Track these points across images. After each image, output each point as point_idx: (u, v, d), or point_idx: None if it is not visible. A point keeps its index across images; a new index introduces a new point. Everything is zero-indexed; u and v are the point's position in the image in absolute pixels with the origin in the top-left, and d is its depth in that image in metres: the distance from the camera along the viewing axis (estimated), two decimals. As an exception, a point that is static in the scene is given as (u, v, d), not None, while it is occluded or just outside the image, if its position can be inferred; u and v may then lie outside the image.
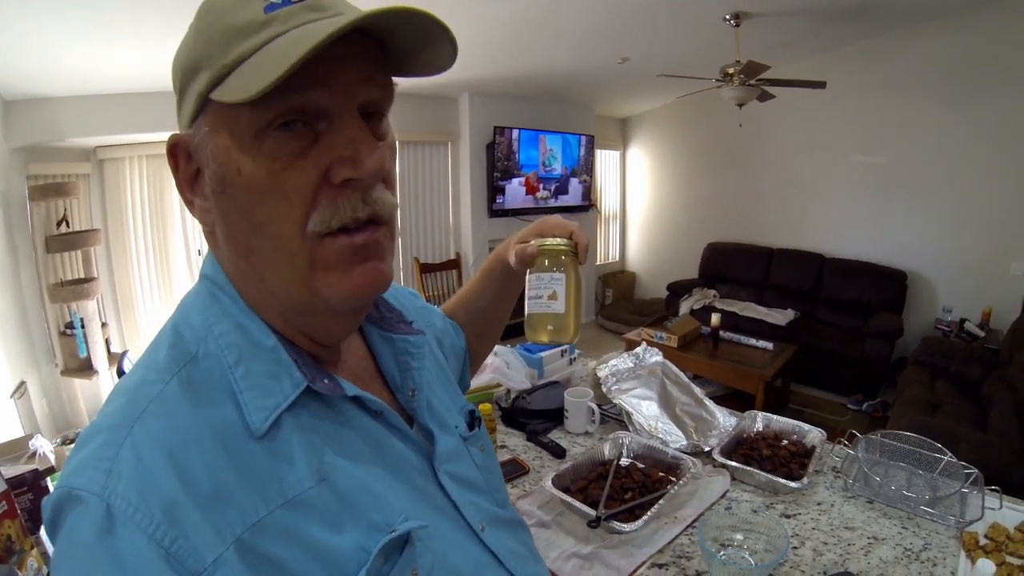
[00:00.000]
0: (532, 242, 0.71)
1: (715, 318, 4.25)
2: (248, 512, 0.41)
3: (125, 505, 0.38)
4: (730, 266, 5.68)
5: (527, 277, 0.73)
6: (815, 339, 4.57)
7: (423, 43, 0.47)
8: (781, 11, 3.60)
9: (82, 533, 0.38)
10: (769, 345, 4.10)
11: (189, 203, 0.50)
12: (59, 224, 3.38)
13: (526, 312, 0.72)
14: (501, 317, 0.94)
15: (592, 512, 1.13)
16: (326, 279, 0.48)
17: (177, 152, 0.49)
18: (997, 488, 1.21)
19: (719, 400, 1.73)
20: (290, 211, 0.45)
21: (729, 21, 3.53)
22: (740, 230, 5.85)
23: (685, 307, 5.21)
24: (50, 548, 1.52)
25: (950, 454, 1.30)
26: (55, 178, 3.44)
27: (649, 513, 1.13)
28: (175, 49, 0.49)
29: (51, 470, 2.41)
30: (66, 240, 3.30)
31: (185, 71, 0.47)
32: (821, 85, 3.52)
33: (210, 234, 0.52)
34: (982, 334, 4.19)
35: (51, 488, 2.23)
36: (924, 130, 4.54)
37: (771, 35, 4.02)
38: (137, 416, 0.42)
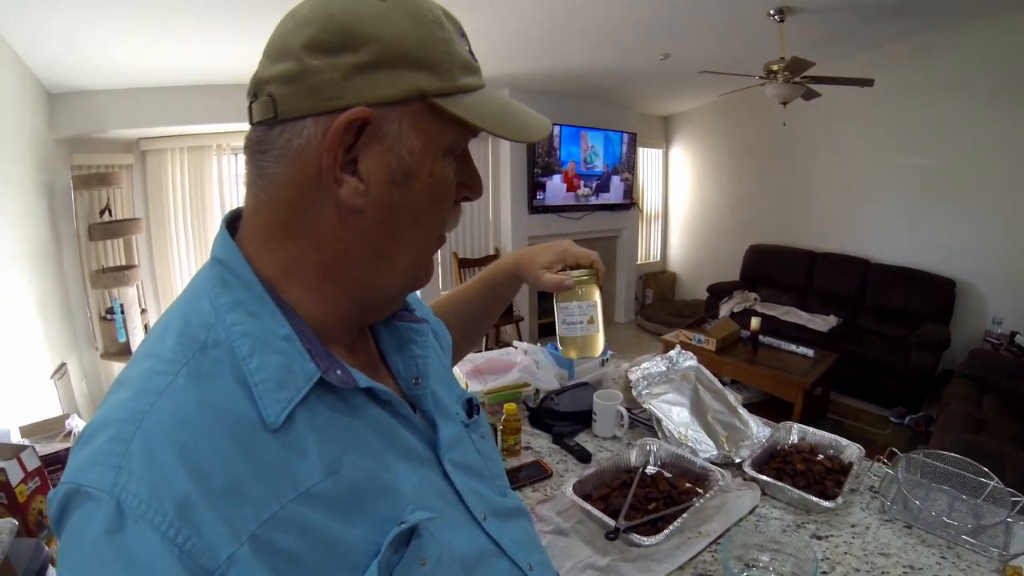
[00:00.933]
0: (570, 274, 0.85)
1: (755, 322, 4.14)
2: (262, 507, 0.40)
3: (137, 503, 0.37)
4: (772, 269, 5.54)
5: (559, 304, 0.86)
6: (857, 347, 4.41)
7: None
8: (827, 6, 3.48)
9: (91, 531, 0.37)
10: (810, 352, 3.97)
11: (336, 181, 0.47)
12: (102, 213, 3.49)
13: (561, 334, 0.86)
14: (490, 323, 1.03)
15: (611, 522, 1.09)
16: (425, 269, 0.57)
17: (360, 126, 0.46)
18: (1046, 517, 1.13)
19: (755, 408, 1.66)
20: (446, 215, 0.55)
21: (773, 16, 3.43)
22: (783, 232, 5.71)
23: (725, 310, 5.10)
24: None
25: (996, 479, 1.20)
26: (98, 168, 3.55)
27: (672, 527, 1.08)
28: (355, 11, 0.46)
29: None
30: (108, 228, 3.39)
31: (401, 55, 0.47)
32: (869, 83, 3.38)
33: (295, 209, 0.49)
34: (1034, 348, 3.98)
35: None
36: (975, 131, 4.34)
37: (816, 31, 3.89)
38: (146, 410, 0.41)
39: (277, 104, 0.46)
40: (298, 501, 0.42)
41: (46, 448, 2.17)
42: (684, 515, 1.12)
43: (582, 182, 5.47)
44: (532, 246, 0.94)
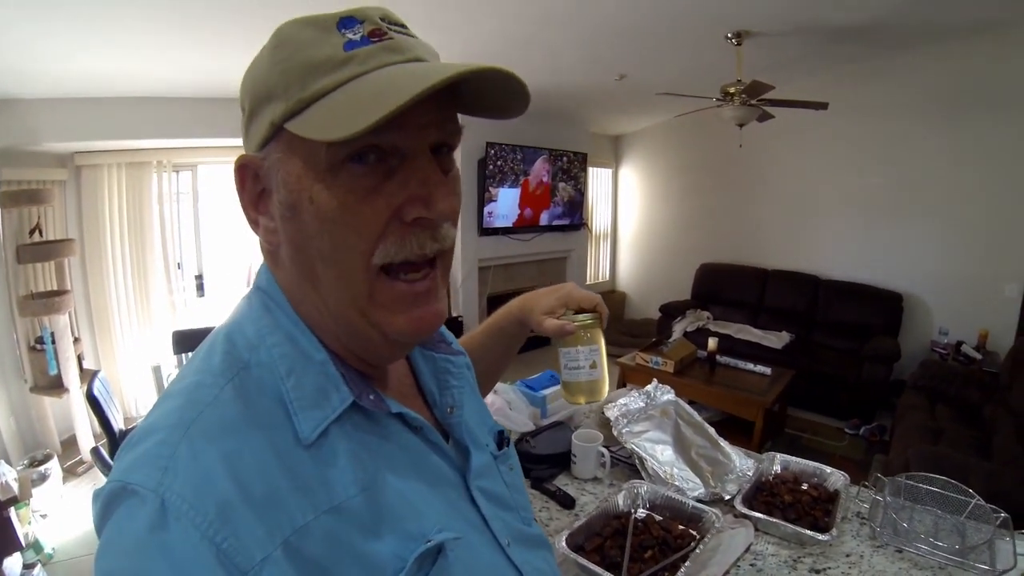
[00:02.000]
0: (572, 319, 0.82)
1: (712, 342, 4.17)
2: (296, 516, 0.42)
3: (180, 502, 0.39)
4: (723, 287, 5.62)
5: (562, 349, 0.83)
6: (811, 362, 4.51)
7: (499, 93, 0.50)
8: (783, 31, 3.55)
9: (134, 526, 0.39)
10: (767, 370, 4.02)
11: (253, 222, 0.52)
12: (32, 233, 3.23)
13: (565, 380, 0.84)
14: (500, 372, 1.00)
15: (614, 580, 1.02)
16: (385, 316, 0.51)
17: (245, 172, 0.50)
18: (1025, 532, 1.16)
19: (715, 426, 1.65)
20: (358, 243, 0.47)
21: (731, 40, 3.48)
22: (734, 251, 5.81)
23: (678, 329, 5.12)
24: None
25: (978, 497, 1.25)
26: (29, 184, 3.30)
27: None
28: (243, 69, 0.50)
29: (14, 500, 2.25)
30: (39, 250, 3.16)
31: (257, 96, 0.48)
32: (823, 106, 3.46)
33: (270, 253, 0.54)
34: (979, 356, 4.15)
35: (14, 518, 2.08)
36: (919, 152, 4.54)
37: (772, 54, 3.98)
38: (194, 418, 0.43)
39: None
40: (330, 514, 0.44)
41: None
42: (687, 563, 1.06)
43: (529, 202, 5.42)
44: (536, 290, 0.92)
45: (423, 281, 0.51)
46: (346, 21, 0.47)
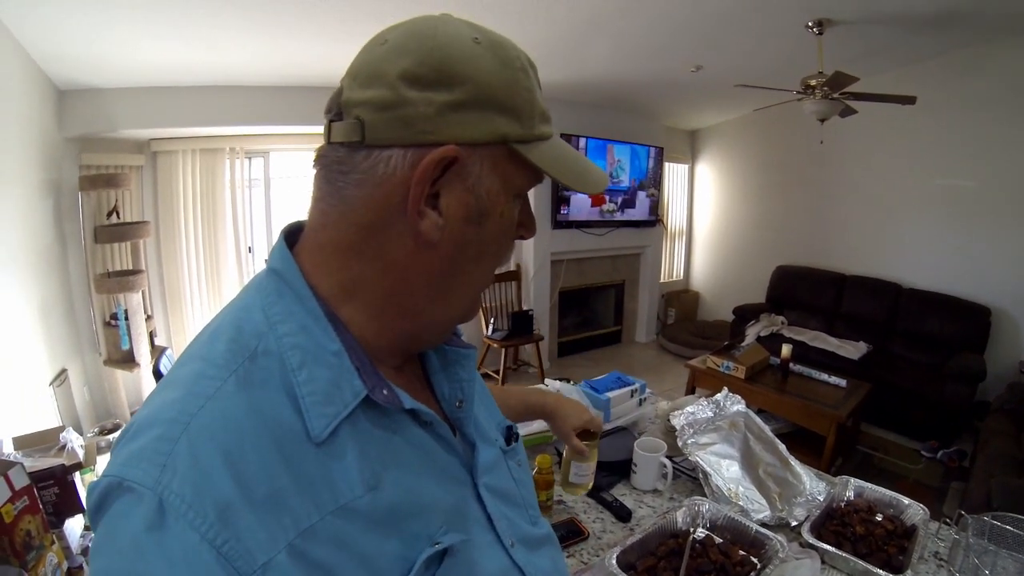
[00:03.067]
0: (584, 446, 1.14)
1: (786, 349, 3.96)
2: (301, 517, 0.41)
3: (179, 502, 0.38)
4: (799, 291, 5.37)
5: (575, 463, 1.16)
6: (888, 375, 4.23)
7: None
8: (867, 19, 3.33)
9: (131, 525, 0.38)
10: (842, 382, 3.78)
11: (418, 213, 0.48)
12: (109, 215, 3.38)
13: (572, 482, 1.17)
14: None
15: (666, 609, 0.95)
16: (477, 303, 0.59)
17: (453, 164, 0.48)
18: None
19: (784, 439, 1.57)
20: (508, 252, 0.57)
21: (812, 29, 3.29)
22: (811, 253, 5.54)
23: (751, 333, 4.93)
24: (71, 540, 1.45)
25: None
26: (107, 169, 3.45)
27: None
28: (451, 49, 0.47)
29: (78, 465, 2.35)
30: (115, 231, 3.29)
31: (483, 97, 0.48)
32: (911, 101, 3.22)
33: (368, 232, 0.50)
34: (1075, 382, 3.80)
35: (78, 483, 2.17)
36: (1014, 152, 4.17)
37: (855, 45, 3.75)
38: (194, 412, 0.42)
39: (366, 129, 0.47)
40: (336, 514, 0.43)
41: (37, 463, 2.06)
42: (744, 595, 0.98)
43: (607, 197, 5.30)
44: (569, 401, 1.21)
45: None
46: (538, 80, 0.54)
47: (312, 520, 0.42)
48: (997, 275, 4.37)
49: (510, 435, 0.70)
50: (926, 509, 1.30)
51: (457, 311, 0.56)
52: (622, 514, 1.31)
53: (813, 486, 1.40)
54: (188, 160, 3.83)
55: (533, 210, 0.59)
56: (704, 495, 1.34)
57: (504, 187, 0.51)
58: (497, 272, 0.62)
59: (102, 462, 2.83)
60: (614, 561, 1.04)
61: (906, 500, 1.33)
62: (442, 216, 0.49)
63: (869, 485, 1.39)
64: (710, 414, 1.55)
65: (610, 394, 1.68)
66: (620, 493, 1.40)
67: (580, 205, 5.08)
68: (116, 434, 3.06)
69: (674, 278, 6.88)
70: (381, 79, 0.47)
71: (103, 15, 2.43)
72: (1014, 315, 4.32)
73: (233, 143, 3.95)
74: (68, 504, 1.99)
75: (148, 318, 3.58)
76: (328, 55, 3.10)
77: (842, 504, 1.35)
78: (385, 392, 0.50)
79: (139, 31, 2.65)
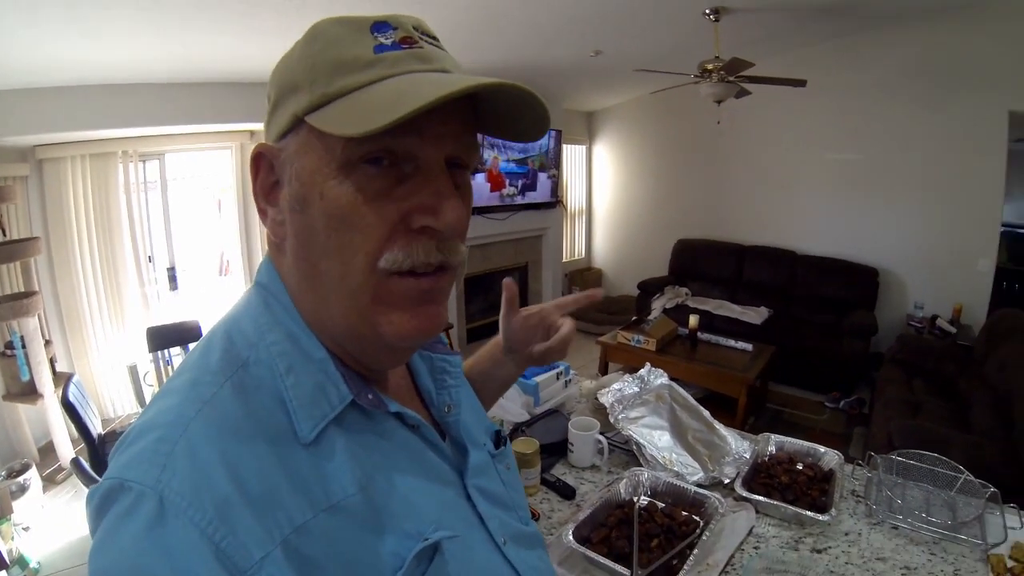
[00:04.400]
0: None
1: (693, 319, 4.18)
2: (295, 514, 0.42)
3: (179, 500, 0.39)
4: (701, 263, 5.64)
5: (523, 470, 1.28)
6: (791, 337, 4.56)
7: (517, 114, 0.50)
8: (762, 7, 3.53)
9: (132, 524, 0.38)
10: (748, 346, 4.05)
11: (262, 212, 0.52)
12: (-6, 233, 3.09)
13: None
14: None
15: (626, 572, 1.02)
16: (387, 316, 0.49)
17: (260, 161, 0.51)
18: (1015, 505, 1.23)
19: (699, 403, 1.67)
20: (364, 243, 0.47)
21: (709, 16, 3.45)
22: (711, 227, 5.82)
23: (657, 307, 5.13)
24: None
25: (967, 472, 1.31)
26: (-12, 182, 3.15)
27: (686, 566, 1.03)
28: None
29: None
30: (2, 251, 3.01)
31: (283, 87, 0.49)
32: (802, 83, 3.46)
33: (276, 245, 0.53)
34: (954, 330, 4.23)
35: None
36: (896, 128, 4.59)
37: (750, 30, 3.95)
38: (192, 415, 0.43)
39: None
40: (328, 512, 0.44)
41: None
42: (695, 551, 1.06)
43: (507, 180, 5.33)
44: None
45: (429, 278, 0.50)
46: (380, 25, 0.48)
47: (306, 517, 0.43)
48: (882, 238, 4.79)
49: (499, 439, 0.71)
50: (840, 455, 1.43)
51: (344, 321, 0.50)
52: (566, 492, 1.36)
53: (738, 445, 1.50)
54: (78, 167, 3.54)
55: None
56: (640, 465, 1.42)
57: (319, 164, 0.47)
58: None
59: (19, 507, 2.63)
60: (571, 536, 1.09)
61: (822, 448, 1.47)
62: (281, 212, 0.51)
63: (788, 439, 1.52)
64: (636, 389, 1.63)
65: (538, 379, 1.73)
66: (561, 472, 1.45)
67: (479, 190, 5.05)
68: (27, 475, 2.81)
69: (576, 257, 7.04)
70: None
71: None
72: (898, 273, 4.76)
73: (126, 146, 3.69)
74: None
75: (47, 343, 3.31)
76: (226, 49, 2.95)
77: (766, 459, 1.47)
78: (370, 396, 0.52)
79: (17, 27, 2.42)
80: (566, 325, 0.87)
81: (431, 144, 0.47)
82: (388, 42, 0.47)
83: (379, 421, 0.53)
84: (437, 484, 0.56)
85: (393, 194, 0.47)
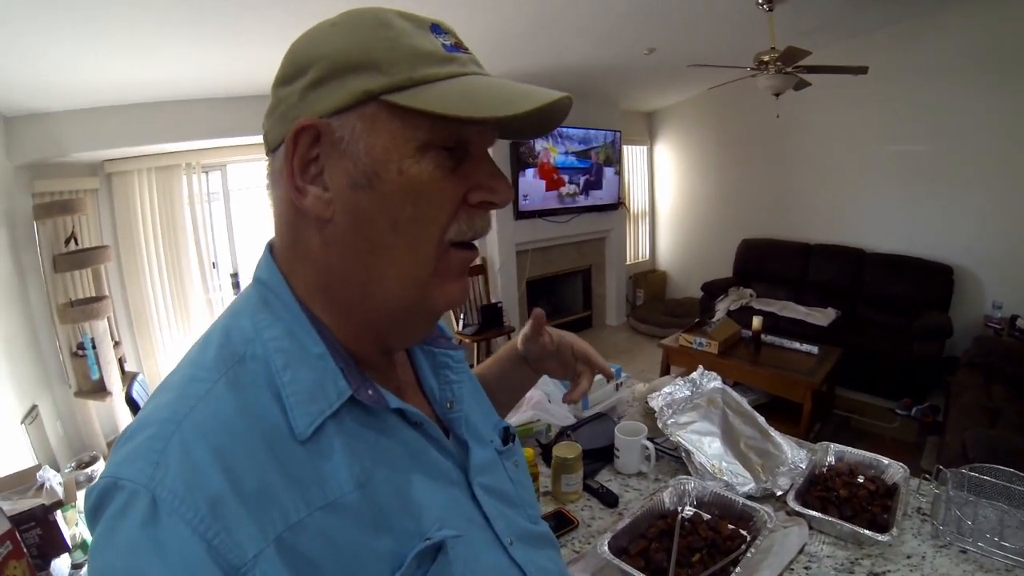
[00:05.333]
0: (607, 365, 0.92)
1: (756, 321, 4.03)
2: (289, 512, 0.42)
3: (171, 497, 0.39)
4: (765, 263, 5.45)
5: (563, 475, 1.31)
6: (858, 339, 4.33)
7: (545, 116, 0.53)
8: (816, -7, 3.38)
9: (126, 523, 0.39)
10: (814, 349, 3.87)
11: (298, 190, 0.49)
12: (67, 242, 3.29)
13: (562, 490, 1.32)
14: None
15: (662, 588, 0.96)
16: (441, 285, 0.52)
17: (302, 136, 0.48)
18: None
19: (761, 409, 1.59)
20: (438, 215, 0.50)
21: (762, 6, 3.32)
22: (775, 226, 5.62)
23: (721, 308, 4.99)
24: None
25: None
26: (61, 195, 3.35)
27: None
28: (309, 38, 0.51)
29: (59, 504, 2.30)
30: (75, 258, 3.20)
31: (342, 63, 0.48)
32: (863, 71, 3.29)
33: (291, 230, 0.53)
34: (1037, 331, 3.93)
35: (60, 521, 2.12)
36: (966, 116, 4.30)
37: (805, 19, 3.80)
38: (186, 412, 0.43)
39: (266, 137, 0.53)
40: (324, 510, 0.44)
41: (16, 506, 2.00)
42: (737, 569, 1.00)
43: (567, 178, 5.22)
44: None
45: (472, 251, 0.54)
46: (436, 27, 0.51)
47: (301, 515, 0.43)
48: (956, 234, 4.50)
49: (507, 436, 0.70)
50: (906, 467, 1.32)
51: (398, 293, 0.52)
52: (609, 500, 1.31)
53: (794, 455, 1.42)
54: (144, 179, 3.74)
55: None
56: (688, 473, 1.35)
57: (394, 143, 0.48)
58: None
59: (83, 498, 2.76)
60: (606, 547, 1.05)
61: (886, 460, 1.36)
62: (327, 190, 0.49)
63: (849, 449, 1.42)
64: (687, 393, 1.57)
65: None
66: (605, 479, 1.40)
67: (537, 193, 5.01)
68: (95, 467, 2.97)
69: (640, 259, 6.93)
70: (271, 92, 0.52)
71: (45, 36, 2.35)
72: (975, 271, 4.45)
73: (189, 158, 3.87)
74: (52, 544, 1.93)
75: (116, 344, 3.49)
76: (279, 61, 3.03)
77: (824, 470, 1.37)
78: (370, 392, 0.51)
79: (83, 51, 2.57)
80: (584, 381, 0.87)
81: (485, 135, 0.53)
82: (449, 43, 0.51)
83: (380, 418, 0.52)
84: (440, 482, 0.55)
85: (456, 173, 0.50)
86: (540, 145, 4.95)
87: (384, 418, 0.53)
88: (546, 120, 0.55)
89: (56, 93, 2.97)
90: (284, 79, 0.50)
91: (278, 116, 0.50)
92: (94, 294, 3.41)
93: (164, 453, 0.41)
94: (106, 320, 3.30)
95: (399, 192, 0.48)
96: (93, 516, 0.42)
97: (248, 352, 0.48)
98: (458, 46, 0.51)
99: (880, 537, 1.09)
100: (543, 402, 1.59)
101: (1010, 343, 3.83)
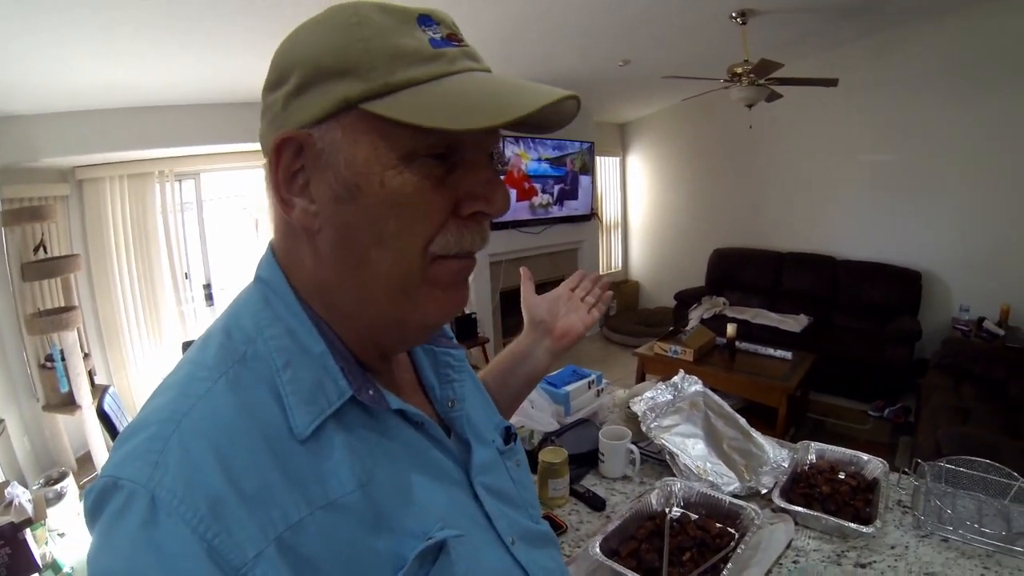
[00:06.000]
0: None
1: (731, 328, 4.09)
2: (290, 511, 0.42)
3: (170, 497, 0.38)
4: (738, 272, 5.53)
5: (550, 480, 1.31)
6: (832, 345, 4.42)
7: (548, 116, 0.50)
8: (789, 8, 3.47)
9: (125, 523, 0.38)
10: (788, 354, 3.93)
11: (284, 203, 0.48)
12: (36, 250, 3.20)
13: (549, 495, 1.31)
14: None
15: (654, 587, 0.96)
16: (431, 296, 0.50)
17: (284, 148, 0.47)
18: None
19: (738, 413, 1.60)
20: (423, 228, 0.47)
21: (735, 19, 3.40)
22: (747, 235, 5.71)
23: (695, 317, 5.05)
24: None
25: (1022, 479, 1.23)
26: (31, 201, 3.27)
27: None
28: (292, 40, 0.49)
29: (28, 521, 2.22)
30: (44, 267, 3.11)
31: (320, 69, 0.45)
32: (833, 83, 3.38)
33: (288, 236, 0.52)
34: (1002, 332, 4.04)
35: (30, 540, 2.05)
36: (932, 127, 4.44)
37: (778, 33, 3.89)
38: (186, 412, 0.43)
39: (260, 141, 0.51)
40: (325, 510, 0.43)
41: (-18, 523, 1.93)
42: (728, 565, 1.01)
43: (539, 186, 5.17)
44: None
45: (466, 260, 0.52)
46: (425, 19, 0.47)
47: (301, 514, 0.42)
48: (924, 240, 4.63)
49: (508, 435, 0.69)
50: (885, 463, 1.35)
51: (387, 305, 0.50)
52: (596, 504, 1.31)
53: (776, 454, 1.44)
54: (116, 186, 3.67)
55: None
56: (673, 475, 1.36)
57: (376, 154, 0.45)
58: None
59: (55, 514, 2.69)
60: (597, 549, 1.05)
61: (865, 456, 1.39)
62: (315, 203, 0.48)
63: (829, 447, 1.45)
64: (670, 397, 1.58)
65: (568, 388, 1.69)
66: (591, 483, 1.41)
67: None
68: (64, 483, 2.89)
69: (612, 269, 6.97)
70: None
71: (17, 39, 2.30)
72: (942, 276, 4.59)
73: (162, 166, 3.81)
74: (22, 564, 1.87)
75: (86, 356, 3.40)
76: (258, 72, 3.00)
77: (806, 467, 1.40)
78: (371, 392, 0.50)
79: (56, 54, 2.51)
80: (593, 314, 0.95)
81: (483, 139, 0.49)
82: (438, 37, 0.47)
83: (381, 418, 0.52)
84: (442, 482, 0.55)
85: (447, 182, 0.48)
86: (511, 151, 4.88)
87: (385, 418, 0.52)
88: (549, 120, 0.52)
89: (27, 96, 2.90)
90: (270, 85, 0.49)
91: (267, 123, 0.49)
92: (63, 304, 3.31)
93: (164, 453, 0.40)
94: (76, 331, 3.20)
95: (382, 205, 0.46)
96: (92, 516, 0.41)
97: (249, 351, 0.48)
98: (451, 38, 0.48)
99: (864, 529, 1.12)
100: (526, 408, 1.59)
101: (978, 344, 3.95)
